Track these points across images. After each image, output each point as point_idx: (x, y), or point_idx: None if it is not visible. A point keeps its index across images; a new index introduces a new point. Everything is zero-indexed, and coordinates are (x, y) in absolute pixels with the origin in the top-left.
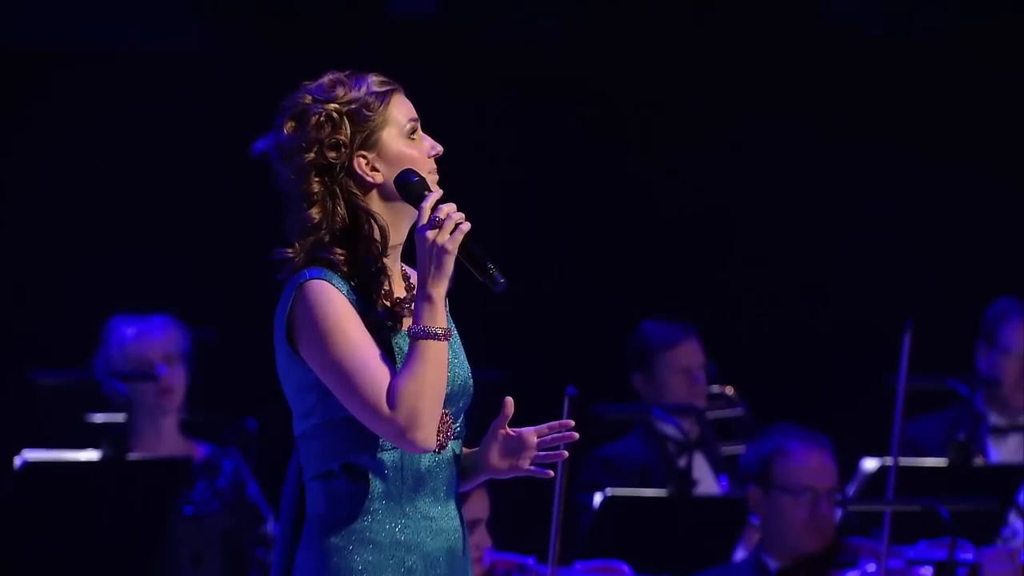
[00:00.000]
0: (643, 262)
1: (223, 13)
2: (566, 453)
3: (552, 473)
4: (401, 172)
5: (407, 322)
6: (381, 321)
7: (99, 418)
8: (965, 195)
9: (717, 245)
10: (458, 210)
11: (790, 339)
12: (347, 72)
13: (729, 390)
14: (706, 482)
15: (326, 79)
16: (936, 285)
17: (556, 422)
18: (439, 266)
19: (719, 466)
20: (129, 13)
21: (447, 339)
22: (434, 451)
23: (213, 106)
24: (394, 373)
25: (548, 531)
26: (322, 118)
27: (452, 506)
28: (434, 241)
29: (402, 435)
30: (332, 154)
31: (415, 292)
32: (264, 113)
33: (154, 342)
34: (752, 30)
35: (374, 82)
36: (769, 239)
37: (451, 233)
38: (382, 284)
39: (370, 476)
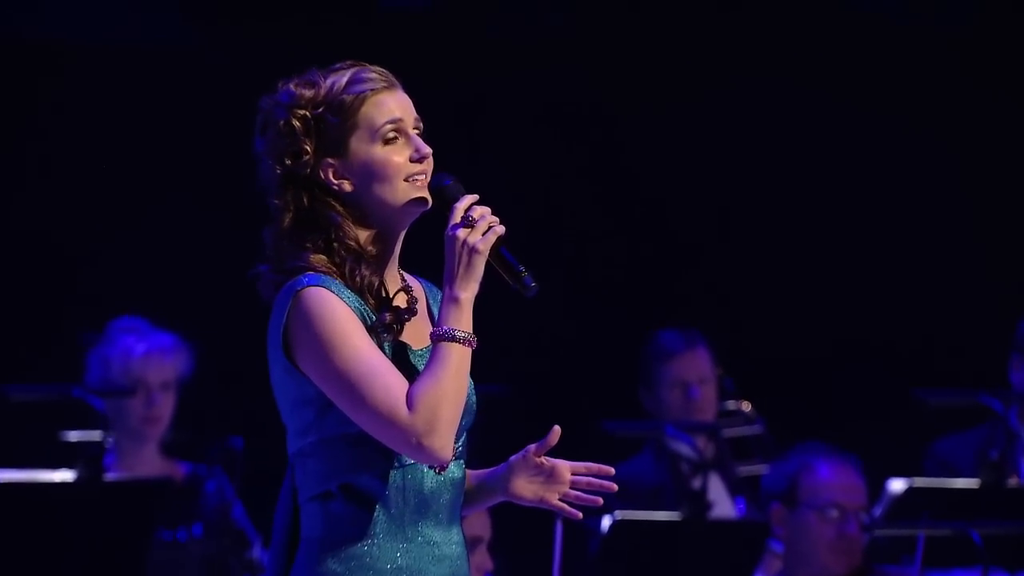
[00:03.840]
0: (659, 270)
1: (213, 6)
2: (601, 501)
3: (581, 515)
4: (434, 177)
5: (410, 332)
6: (380, 327)
7: (74, 436)
8: (996, 199)
9: (736, 254)
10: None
11: (811, 353)
12: (327, 69)
13: (746, 406)
14: (722, 504)
15: (294, 82)
16: (968, 296)
17: (594, 464)
18: (469, 266)
19: (736, 487)
20: (118, 8)
21: (472, 345)
22: (435, 471)
23: (203, 103)
24: (403, 379)
25: (552, 557)
26: (284, 125)
27: (455, 531)
28: (465, 240)
29: (419, 442)
30: (295, 163)
31: (416, 303)
32: (255, 110)
33: (160, 365)
34: (774, 22)
35: (353, 80)
36: (790, 248)
37: (483, 234)
38: (374, 288)
39: (371, 498)
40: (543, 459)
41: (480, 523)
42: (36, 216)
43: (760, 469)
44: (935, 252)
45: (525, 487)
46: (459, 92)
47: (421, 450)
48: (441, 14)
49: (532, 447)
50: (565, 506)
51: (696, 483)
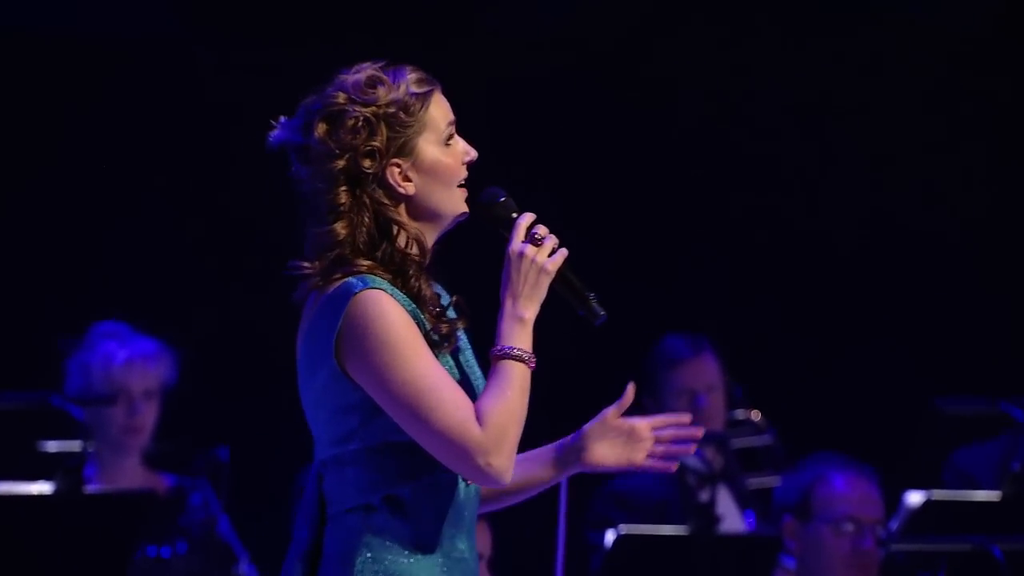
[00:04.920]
0: (664, 273)
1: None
2: (693, 449)
3: (675, 467)
4: (486, 191)
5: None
6: (439, 338)
7: (53, 447)
8: (1017, 201)
9: (744, 257)
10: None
11: (824, 359)
12: (382, 65)
13: (756, 415)
14: (731, 518)
15: (363, 74)
16: (988, 301)
17: (671, 415)
18: (536, 286)
19: (745, 500)
20: None
21: (533, 366)
22: (466, 483)
23: (190, 100)
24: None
25: (554, 574)
26: (359, 122)
27: (474, 544)
28: (533, 259)
29: (485, 459)
30: (366, 162)
31: (453, 309)
32: (241, 104)
33: (143, 372)
34: (787, 16)
35: (413, 80)
36: (800, 250)
37: (550, 255)
38: (430, 300)
39: (414, 510)
40: (623, 421)
41: (480, 540)
42: (11, 218)
43: (771, 481)
44: (954, 256)
45: (607, 453)
46: (453, 87)
47: (487, 469)
48: (436, 5)
49: (609, 410)
50: (655, 462)
51: (704, 496)
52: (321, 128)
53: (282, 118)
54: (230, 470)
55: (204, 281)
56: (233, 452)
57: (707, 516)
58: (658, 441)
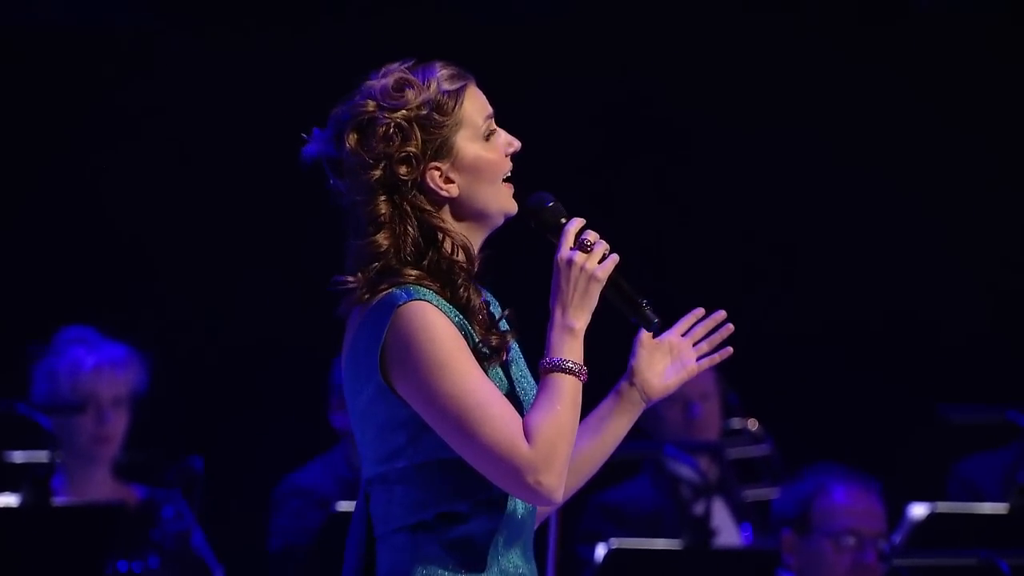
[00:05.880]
0: (656, 274)
1: None
2: (730, 350)
3: (731, 350)
4: (533, 196)
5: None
6: (488, 351)
7: (19, 457)
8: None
9: (742, 260)
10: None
11: (824, 366)
12: (410, 65)
13: (752, 424)
14: (727, 531)
15: (391, 78)
16: (994, 309)
17: (688, 315)
18: (585, 295)
19: (742, 513)
20: None
21: (584, 378)
22: None
23: (171, 96)
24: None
25: None
26: (390, 129)
27: (531, 557)
28: (583, 267)
29: (536, 479)
30: (403, 169)
31: (500, 318)
32: (217, 96)
33: (111, 380)
34: (787, 5)
35: (444, 77)
36: (799, 254)
37: (600, 261)
38: (479, 310)
39: (468, 528)
40: (657, 340)
41: None
42: None
43: (768, 493)
44: (960, 260)
45: (668, 376)
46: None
47: (537, 488)
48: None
49: (641, 336)
50: (709, 359)
51: (698, 508)
52: (352, 139)
53: (314, 129)
54: (204, 481)
55: (178, 284)
56: (207, 462)
57: (702, 529)
58: (696, 342)
